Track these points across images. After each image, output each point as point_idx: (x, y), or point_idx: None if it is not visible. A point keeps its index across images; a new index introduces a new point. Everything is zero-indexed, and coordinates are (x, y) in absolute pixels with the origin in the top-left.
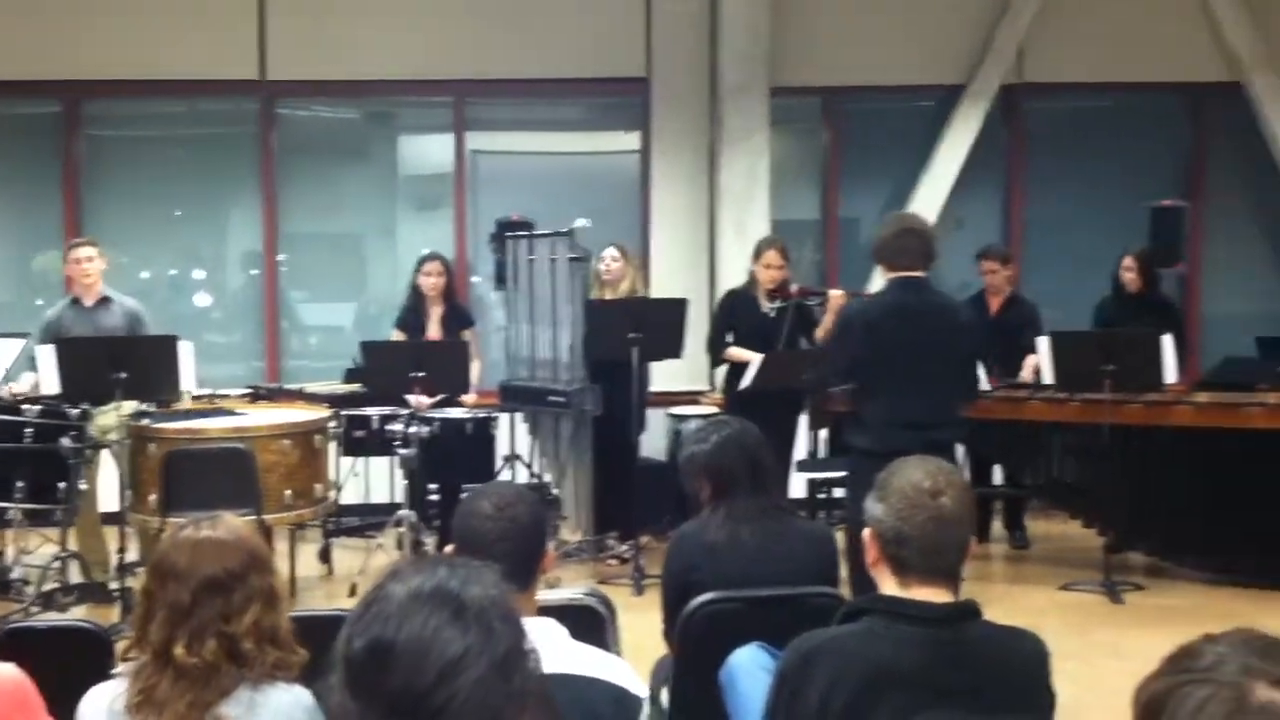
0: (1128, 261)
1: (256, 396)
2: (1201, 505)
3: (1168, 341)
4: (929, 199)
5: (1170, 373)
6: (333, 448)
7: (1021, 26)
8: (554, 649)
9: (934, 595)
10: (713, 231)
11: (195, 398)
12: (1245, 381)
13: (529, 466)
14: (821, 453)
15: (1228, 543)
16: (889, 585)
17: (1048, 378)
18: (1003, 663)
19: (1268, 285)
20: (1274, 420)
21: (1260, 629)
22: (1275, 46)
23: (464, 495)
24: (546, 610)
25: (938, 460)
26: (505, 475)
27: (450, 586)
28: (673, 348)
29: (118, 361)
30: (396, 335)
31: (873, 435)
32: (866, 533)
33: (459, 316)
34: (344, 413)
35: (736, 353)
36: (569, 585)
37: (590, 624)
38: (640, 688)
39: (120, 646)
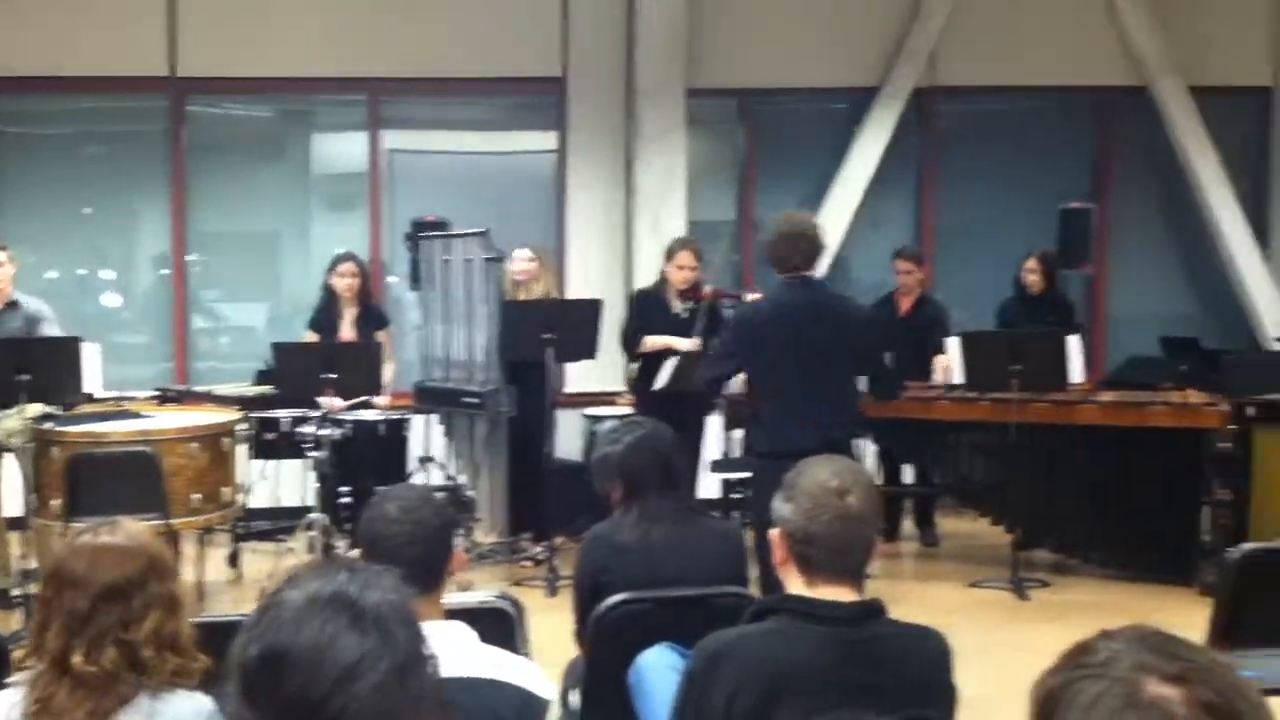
0: (1030, 263)
1: (164, 399)
2: (1106, 503)
3: (1074, 341)
4: (843, 200)
5: (1076, 372)
6: (242, 451)
7: (934, 30)
8: (461, 652)
9: (840, 594)
10: (629, 231)
11: (102, 400)
12: (1149, 381)
13: (443, 468)
14: (735, 453)
15: (1131, 540)
16: (796, 584)
17: (957, 377)
18: (906, 660)
19: (1172, 286)
20: (1177, 419)
21: (1156, 625)
22: (1180, 51)
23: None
24: (455, 613)
25: (845, 460)
26: (419, 477)
27: (348, 592)
28: (587, 348)
29: (20, 364)
30: (309, 336)
31: (770, 436)
32: (774, 532)
33: (373, 317)
34: (254, 415)
35: (654, 341)
36: (483, 587)
37: (500, 626)
38: (547, 690)
39: (17, 655)
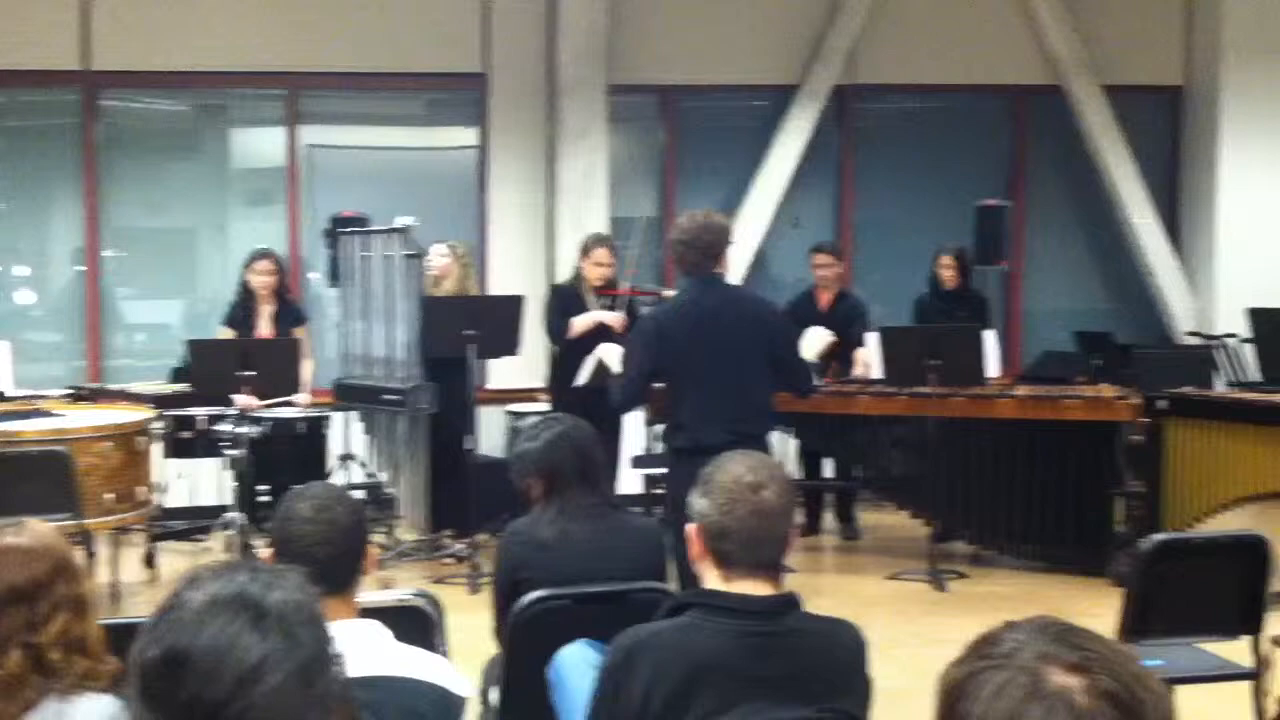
0: (945, 259)
1: (77, 397)
2: (1022, 495)
3: (990, 336)
4: (764, 197)
5: (992, 366)
6: (158, 450)
7: (853, 29)
8: (374, 651)
9: (756, 588)
10: (551, 228)
11: (13, 399)
12: (1064, 375)
13: (364, 466)
14: (657, 449)
15: (1046, 531)
16: (712, 579)
17: (876, 372)
18: (821, 652)
19: (1086, 281)
20: (1090, 413)
21: (1070, 615)
22: (1094, 51)
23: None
24: (373, 612)
25: (760, 454)
26: (340, 475)
27: (250, 592)
28: (510, 345)
29: None
30: (224, 333)
31: (686, 433)
32: (691, 528)
33: (290, 314)
34: (169, 413)
35: (583, 320)
36: (404, 585)
37: (418, 625)
38: (463, 687)
39: None
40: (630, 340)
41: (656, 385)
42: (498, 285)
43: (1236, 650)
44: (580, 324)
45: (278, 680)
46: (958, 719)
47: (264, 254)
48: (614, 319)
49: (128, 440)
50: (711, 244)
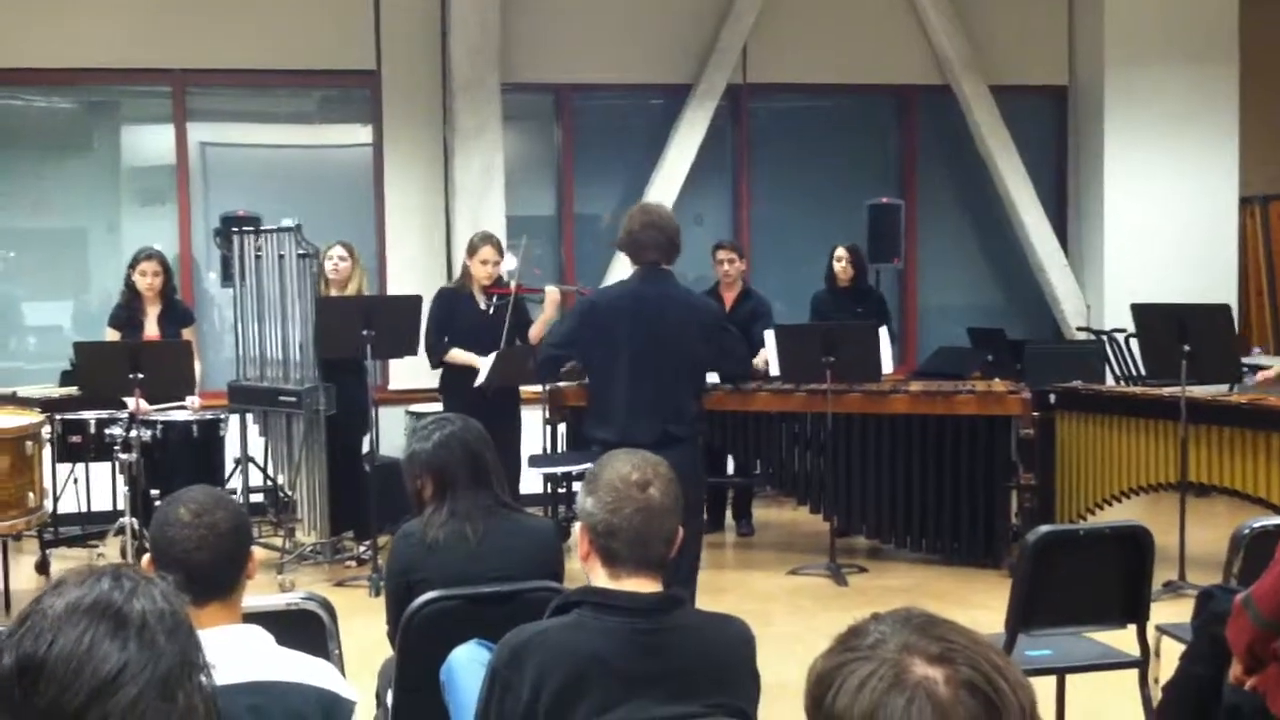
0: (839, 252)
1: None
2: (918, 490)
3: (884, 334)
4: (661, 196)
5: (887, 363)
6: (47, 454)
7: (745, 28)
8: (255, 656)
9: (642, 586)
10: (449, 227)
11: None
12: (958, 370)
13: (262, 468)
14: (560, 447)
15: (941, 525)
16: (599, 577)
17: (775, 370)
18: (708, 649)
19: (979, 278)
20: (982, 407)
21: (956, 607)
22: (981, 51)
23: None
24: (265, 616)
25: (645, 453)
26: (237, 478)
27: (112, 599)
28: (408, 345)
29: None
30: (110, 334)
31: (614, 428)
32: (577, 526)
33: (177, 315)
34: (59, 417)
35: (459, 355)
36: (304, 588)
37: (310, 628)
38: (351, 691)
39: None
40: (567, 316)
41: (560, 384)
42: (396, 285)
43: (1123, 639)
44: (457, 358)
45: (136, 690)
46: (824, 710)
47: (149, 254)
48: (484, 366)
49: (16, 445)
50: (657, 238)
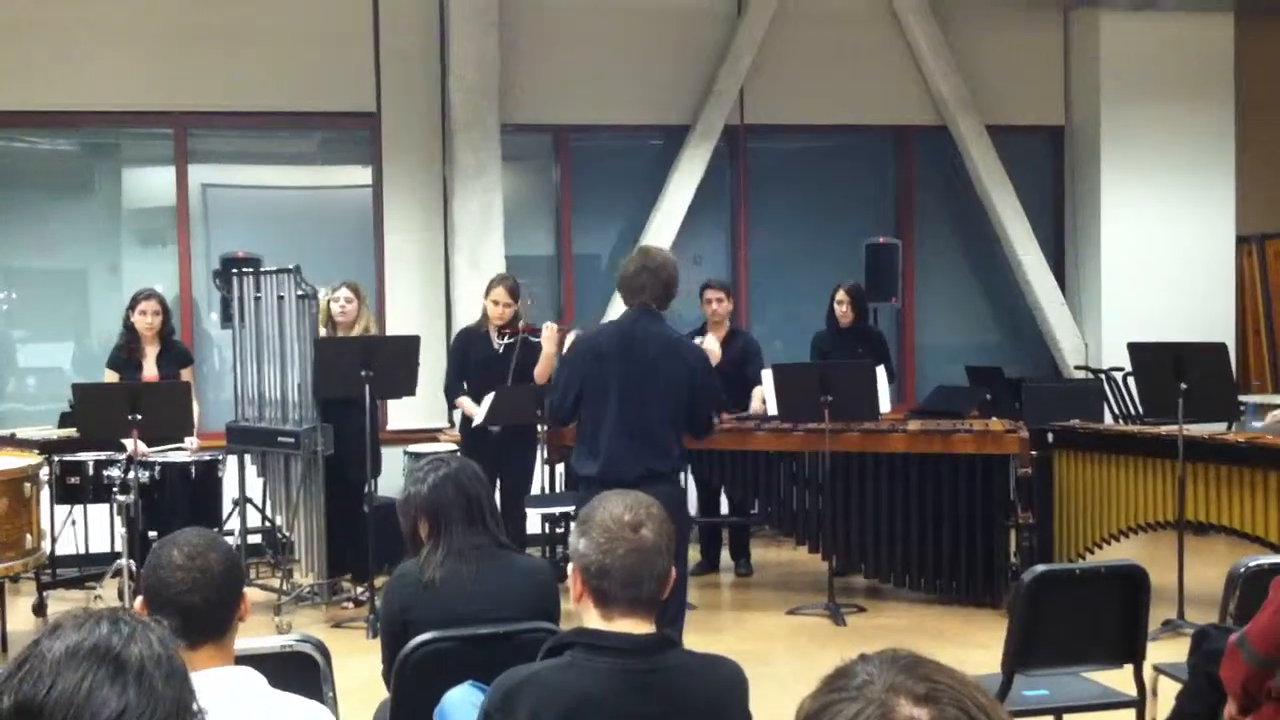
0: (840, 295)
1: None
2: (916, 529)
3: (881, 373)
4: (660, 236)
5: (885, 402)
6: (45, 495)
7: (742, 69)
8: (248, 698)
9: (634, 626)
10: (448, 267)
11: None
12: (956, 409)
13: (260, 509)
14: (560, 487)
15: (940, 564)
16: (592, 618)
17: (773, 409)
18: (698, 690)
19: (976, 317)
20: (980, 446)
21: (955, 647)
22: (978, 92)
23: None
24: (258, 658)
25: (637, 493)
26: (235, 519)
27: (110, 644)
28: (405, 385)
29: None
30: (109, 376)
31: (600, 463)
32: (570, 568)
33: (176, 355)
34: (57, 458)
35: (466, 405)
36: (301, 630)
37: (304, 671)
38: None
39: None
40: (566, 357)
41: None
42: (395, 325)
43: (1120, 678)
44: (464, 407)
45: None
46: None
47: (148, 294)
48: (479, 415)
49: (15, 486)
50: (649, 281)
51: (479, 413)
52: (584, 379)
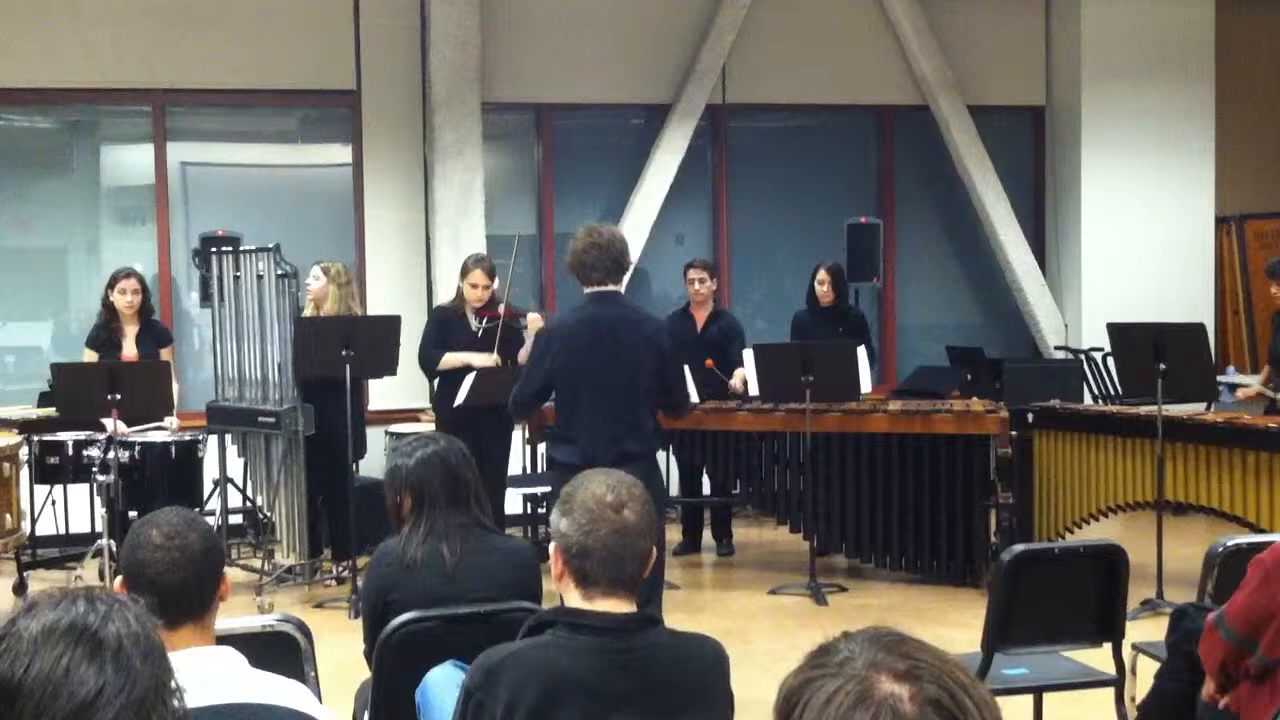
0: (821, 274)
1: None
2: (897, 509)
3: (862, 353)
4: (641, 215)
5: (865, 382)
6: (25, 475)
7: (724, 48)
8: (227, 678)
9: (616, 606)
10: (429, 246)
11: None
12: (937, 389)
13: (241, 489)
14: (541, 467)
15: (921, 544)
16: (573, 598)
17: (754, 389)
18: (679, 668)
19: (956, 297)
20: (960, 426)
21: (935, 626)
22: (958, 71)
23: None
24: (239, 638)
25: (620, 473)
26: (216, 499)
27: (87, 622)
28: (387, 365)
29: None
30: (88, 355)
31: (577, 448)
32: (551, 548)
33: (155, 335)
34: (36, 438)
35: (452, 358)
36: (282, 610)
37: (285, 651)
38: (325, 713)
39: None
40: (534, 349)
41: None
42: (376, 305)
43: (1099, 657)
44: (449, 361)
45: (112, 714)
46: None
47: (127, 273)
48: (484, 361)
49: None
50: (606, 259)
51: (460, 392)
52: (552, 372)
